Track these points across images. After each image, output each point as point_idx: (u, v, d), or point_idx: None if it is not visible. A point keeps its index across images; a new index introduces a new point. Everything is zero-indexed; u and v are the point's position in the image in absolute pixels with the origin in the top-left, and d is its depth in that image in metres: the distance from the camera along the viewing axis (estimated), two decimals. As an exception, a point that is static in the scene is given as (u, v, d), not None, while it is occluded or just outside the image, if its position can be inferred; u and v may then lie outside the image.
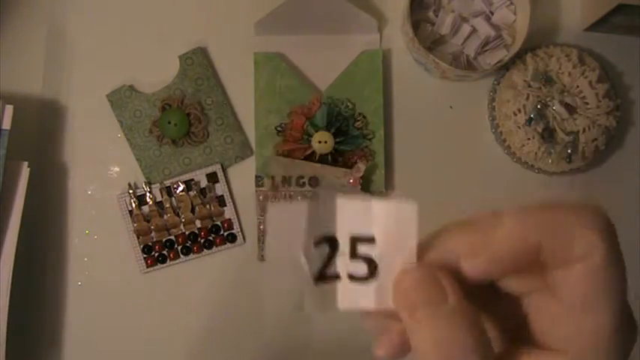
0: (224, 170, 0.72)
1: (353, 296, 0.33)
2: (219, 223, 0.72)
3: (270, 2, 0.74)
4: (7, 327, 0.63)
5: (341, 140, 0.70)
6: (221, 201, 0.72)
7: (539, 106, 0.69)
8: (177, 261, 0.72)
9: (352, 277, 0.33)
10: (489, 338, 0.32)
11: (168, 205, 0.71)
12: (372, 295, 0.33)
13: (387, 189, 0.72)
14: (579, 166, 0.71)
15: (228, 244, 0.72)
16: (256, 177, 0.70)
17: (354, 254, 0.33)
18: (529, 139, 0.69)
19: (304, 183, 0.69)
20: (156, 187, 0.71)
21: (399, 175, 0.73)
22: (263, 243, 0.71)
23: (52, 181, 0.72)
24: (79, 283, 0.72)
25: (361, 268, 0.33)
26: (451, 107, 0.74)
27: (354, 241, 0.33)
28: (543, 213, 0.32)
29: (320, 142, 0.70)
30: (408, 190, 0.73)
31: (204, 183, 0.72)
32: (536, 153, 0.70)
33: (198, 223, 0.72)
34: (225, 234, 0.72)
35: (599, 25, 0.72)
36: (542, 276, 0.33)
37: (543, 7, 0.75)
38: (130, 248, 0.71)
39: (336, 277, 0.33)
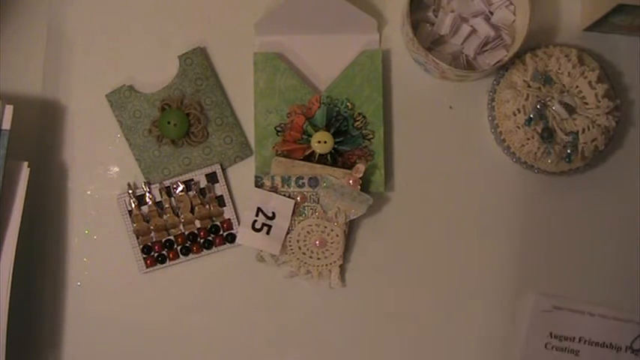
0: (223, 170, 0.72)
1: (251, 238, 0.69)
2: (218, 223, 0.72)
3: (270, 2, 0.74)
4: (7, 327, 0.64)
5: (340, 140, 0.70)
6: (220, 201, 0.72)
7: (538, 106, 0.69)
8: (176, 261, 0.72)
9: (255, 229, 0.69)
10: None
11: (167, 206, 0.71)
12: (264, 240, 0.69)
13: (386, 189, 0.72)
14: (579, 166, 0.71)
15: (228, 245, 0.72)
16: (256, 177, 0.70)
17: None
18: (529, 139, 0.69)
19: (304, 183, 0.69)
20: (155, 188, 0.71)
21: (398, 175, 0.73)
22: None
23: (52, 181, 0.72)
24: (79, 283, 0.72)
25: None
26: (451, 107, 0.74)
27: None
28: None
29: (319, 142, 0.70)
30: (408, 190, 0.73)
31: (203, 183, 0.72)
32: (535, 153, 0.69)
33: (197, 224, 0.72)
34: (225, 234, 0.72)
35: (599, 25, 0.72)
36: None
37: (543, 7, 0.75)
38: (130, 248, 0.71)
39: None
